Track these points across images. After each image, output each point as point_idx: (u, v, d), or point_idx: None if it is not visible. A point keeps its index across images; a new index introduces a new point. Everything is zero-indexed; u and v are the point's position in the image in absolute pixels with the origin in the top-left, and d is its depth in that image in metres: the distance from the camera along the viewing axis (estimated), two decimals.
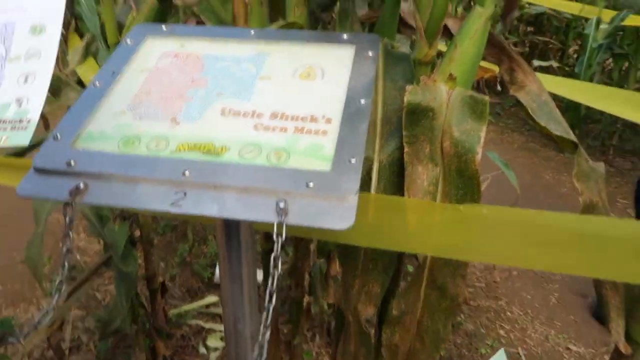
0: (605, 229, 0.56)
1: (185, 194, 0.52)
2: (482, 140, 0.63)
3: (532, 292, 2.24)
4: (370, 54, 0.65)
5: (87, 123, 0.60)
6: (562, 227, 0.58)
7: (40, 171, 0.56)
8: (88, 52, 1.43)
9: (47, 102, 1.41)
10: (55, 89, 1.20)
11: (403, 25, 0.87)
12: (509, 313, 2.14)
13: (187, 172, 0.53)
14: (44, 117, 1.40)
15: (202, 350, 1.87)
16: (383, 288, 0.75)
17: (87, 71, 1.43)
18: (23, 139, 0.61)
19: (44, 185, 0.55)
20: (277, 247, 0.50)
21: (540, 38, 4.40)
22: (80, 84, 1.34)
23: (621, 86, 3.57)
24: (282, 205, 0.50)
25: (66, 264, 0.55)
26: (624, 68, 3.76)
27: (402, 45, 0.87)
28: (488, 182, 2.50)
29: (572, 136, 0.68)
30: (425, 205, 0.62)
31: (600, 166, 0.72)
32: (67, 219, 0.54)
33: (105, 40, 1.51)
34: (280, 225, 0.49)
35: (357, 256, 0.74)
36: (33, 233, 1.15)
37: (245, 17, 0.87)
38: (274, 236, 0.49)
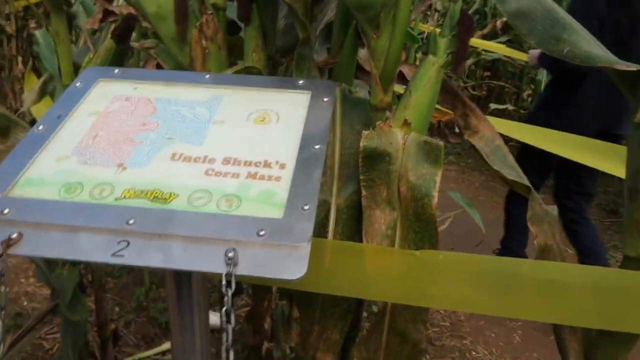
0: (561, 275, 0.56)
1: (128, 243, 0.49)
2: (438, 184, 0.63)
3: (496, 331, 2.24)
4: (325, 99, 0.65)
5: (26, 169, 0.57)
6: (519, 272, 0.58)
7: None
8: (45, 92, 1.40)
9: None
10: (4, 129, 1.15)
11: (361, 71, 0.89)
12: (474, 352, 2.12)
13: (131, 221, 0.50)
14: None
15: None
16: (342, 335, 0.73)
17: (42, 111, 1.39)
18: None
19: None
20: (227, 299, 0.48)
21: (497, 83, 4.62)
22: (34, 124, 1.30)
23: None
24: (231, 254, 0.47)
25: (0, 322, 0.50)
26: None
27: (360, 91, 0.88)
28: (450, 220, 2.54)
29: (525, 180, 0.69)
30: (382, 250, 0.61)
31: (554, 209, 0.74)
32: None
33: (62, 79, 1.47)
34: (229, 276, 0.47)
35: (314, 302, 0.72)
36: None
37: (203, 61, 0.86)
38: (223, 288, 0.47)
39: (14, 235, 0.49)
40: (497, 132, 0.73)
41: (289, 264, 0.47)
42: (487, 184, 3.61)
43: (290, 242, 0.48)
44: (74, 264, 1.25)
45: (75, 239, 0.50)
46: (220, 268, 0.47)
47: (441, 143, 0.65)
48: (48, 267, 1.33)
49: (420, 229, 0.63)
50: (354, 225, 0.68)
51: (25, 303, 2.18)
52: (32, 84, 1.48)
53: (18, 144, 0.60)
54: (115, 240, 0.50)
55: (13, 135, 1.13)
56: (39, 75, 1.53)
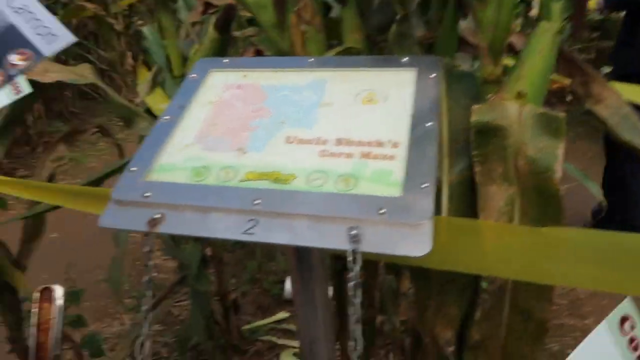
0: None
1: (257, 222, 0.53)
2: (561, 158, 0.60)
3: None
4: (432, 75, 0.64)
5: (158, 156, 0.62)
6: None
7: (118, 202, 0.58)
8: (155, 83, 1.51)
9: (120, 130, 1.47)
10: (128, 120, 1.27)
11: (462, 44, 0.85)
12: None
13: (257, 201, 0.54)
14: (118, 145, 1.48)
15: None
16: (461, 310, 0.72)
17: (156, 101, 1.51)
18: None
19: (123, 216, 0.57)
20: (355, 275, 0.49)
21: (607, 44, 4.16)
22: (149, 113, 1.42)
23: None
24: (354, 232, 0.49)
25: (149, 292, 0.57)
26: None
27: (462, 64, 0.85)
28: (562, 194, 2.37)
29: None
30: (502, 227, 0.60)
31: None
32: (147, 248, 0.56)
33: (171, 71, 1.59)
34: (354, 253, 0.48)
35: (429, 276, 0.71)
36: (113, 255, 1.21)
37: (303, 45, 0.88)
38: (349, 263, 0.48)
39: (158, 216, 0.55)
40: (623, 100, 0.67)
41: (413, 241, 0.48)
42: (601, 153, 3.29)
43: (412, 220, 0.48)
44: (197, 240, 1.35)
45: (208, 219, 0.54)
46: (345, 245, 0.49)
47: (562, 114, 0.61)
48: (174, 243, 1.47)
49: (543, 204, 0.60)
50: (467, 202, 0.66)
51: (155, 274, 2.41)
52: (144, 77, 1.60)
53: (149, 132, 0.65)
54: (244, 219, 0.53)
55: (135, 125, 1.24)
56: (148, 68, 1.66)
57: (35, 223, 1.25)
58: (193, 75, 0.75)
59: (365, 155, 0.57)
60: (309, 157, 0.58)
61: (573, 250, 0.55)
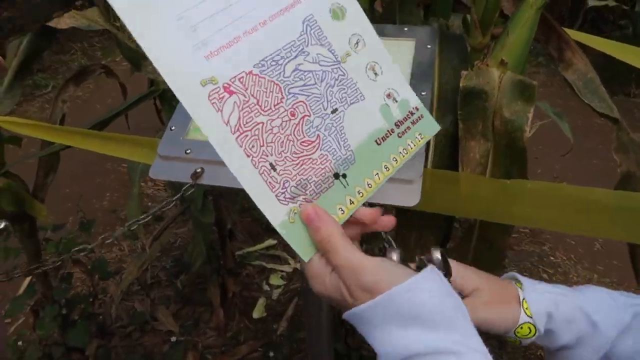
0: None
1: None
2: (530, 119, 0.72)
3: (576, 239, 2.28)
4: (429, 46, 0.73)
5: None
6: (604, 201, 0.67)
7: (164, 157, 0.70)
8: None
9: (129, 73, 1.51)
10: (135, 63, 1.34)
11: (458, 4, 0.93)
12: (552, 258, 2.21)
13: None
14: (123, 87, 1.55)
15: (266, 287, 2.10)
16: (437, 241, 0.87)
17: None
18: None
19: (169, 169, 0.69)
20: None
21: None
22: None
23: None
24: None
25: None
26: None
27: (454, 22, 0.94)
28: (537, 128, 2.51)
29: (615, 113, 0.75)
30: (475, 178, 0.73)
31: None
32: (189, 193, 0.68)
33: None
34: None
35: (413, 214, 0.86)
36: (130, 193, 1.33)
37: None
38: None
39: (199, 170, 0.67)
40: (590, 65, 0.78)
41: (405, 194, 0.61)
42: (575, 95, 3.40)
43: (406, 177, 0.61)
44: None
45: None
46: None
47: (535, 82, 0.72)
48: None
49: (511, 156, 0.73)
50: (449, 154, 0.79)
51: (148, 204, 2.57)
52: None
53: None
54: None
55: (144, 67, 1.31)
56: None
57: (50, 159, 1.35)
58: None
59: None
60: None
61: (532, 197, 0.69)
